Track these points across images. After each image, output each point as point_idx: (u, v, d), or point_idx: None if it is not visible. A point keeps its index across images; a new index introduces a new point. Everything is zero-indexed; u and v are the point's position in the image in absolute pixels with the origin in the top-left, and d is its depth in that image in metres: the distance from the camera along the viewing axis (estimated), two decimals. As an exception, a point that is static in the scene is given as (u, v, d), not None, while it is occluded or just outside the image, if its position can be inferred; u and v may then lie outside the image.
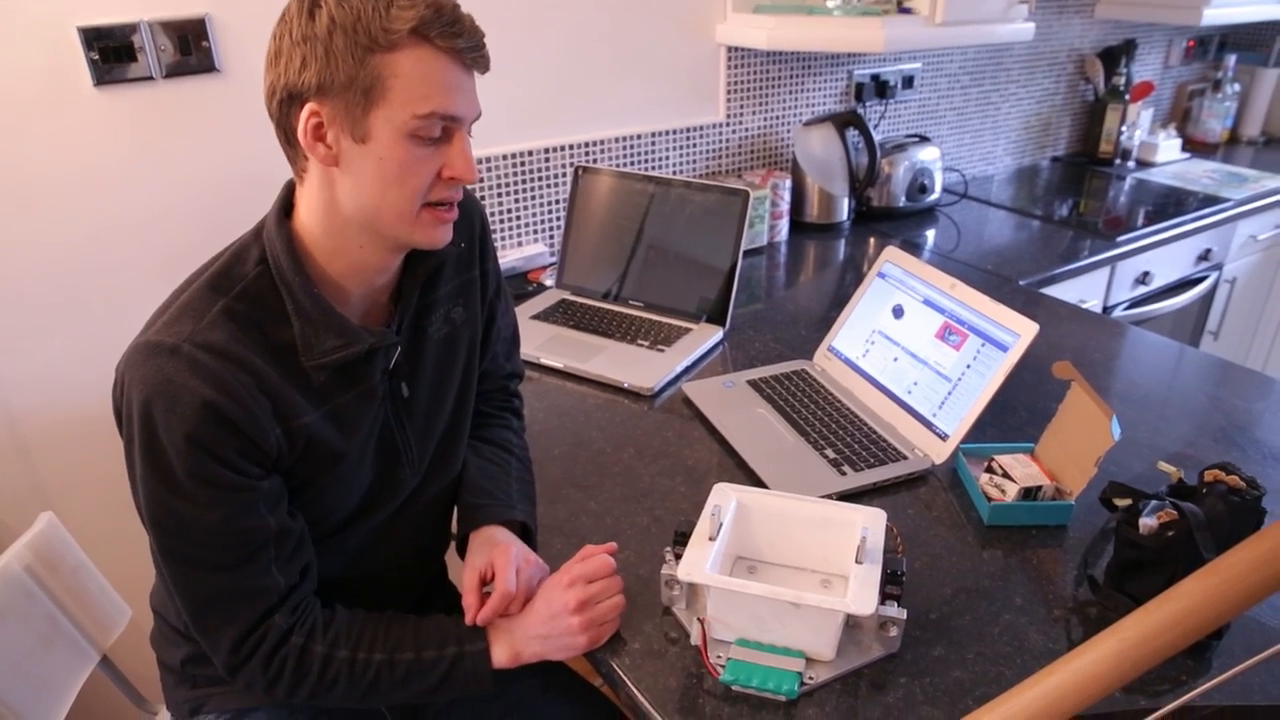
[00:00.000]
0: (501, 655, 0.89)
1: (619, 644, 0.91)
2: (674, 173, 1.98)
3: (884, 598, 0.86)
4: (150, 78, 1.36)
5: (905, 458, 1.16)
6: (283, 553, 0.84)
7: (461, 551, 1.02)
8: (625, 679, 0.87)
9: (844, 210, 2.09)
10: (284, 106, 0.78)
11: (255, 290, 0.82)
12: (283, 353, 0.82)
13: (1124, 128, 2.62)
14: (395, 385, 0.92)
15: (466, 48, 0.77)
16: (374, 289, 0.89)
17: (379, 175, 0.78)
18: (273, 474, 0.83)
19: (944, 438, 1.16)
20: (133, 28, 1.32)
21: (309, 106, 0.76)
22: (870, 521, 0.92)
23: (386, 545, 0.99)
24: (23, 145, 1.30)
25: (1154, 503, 0.92)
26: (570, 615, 0.88)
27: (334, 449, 0.86)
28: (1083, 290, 1.98)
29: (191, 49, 1.38)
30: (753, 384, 1.34)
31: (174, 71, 1.37)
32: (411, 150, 0.78)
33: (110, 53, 1.32)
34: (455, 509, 1.05)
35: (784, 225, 2.00)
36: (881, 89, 2.21)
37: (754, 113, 2.05)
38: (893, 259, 1.34)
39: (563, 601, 0.89)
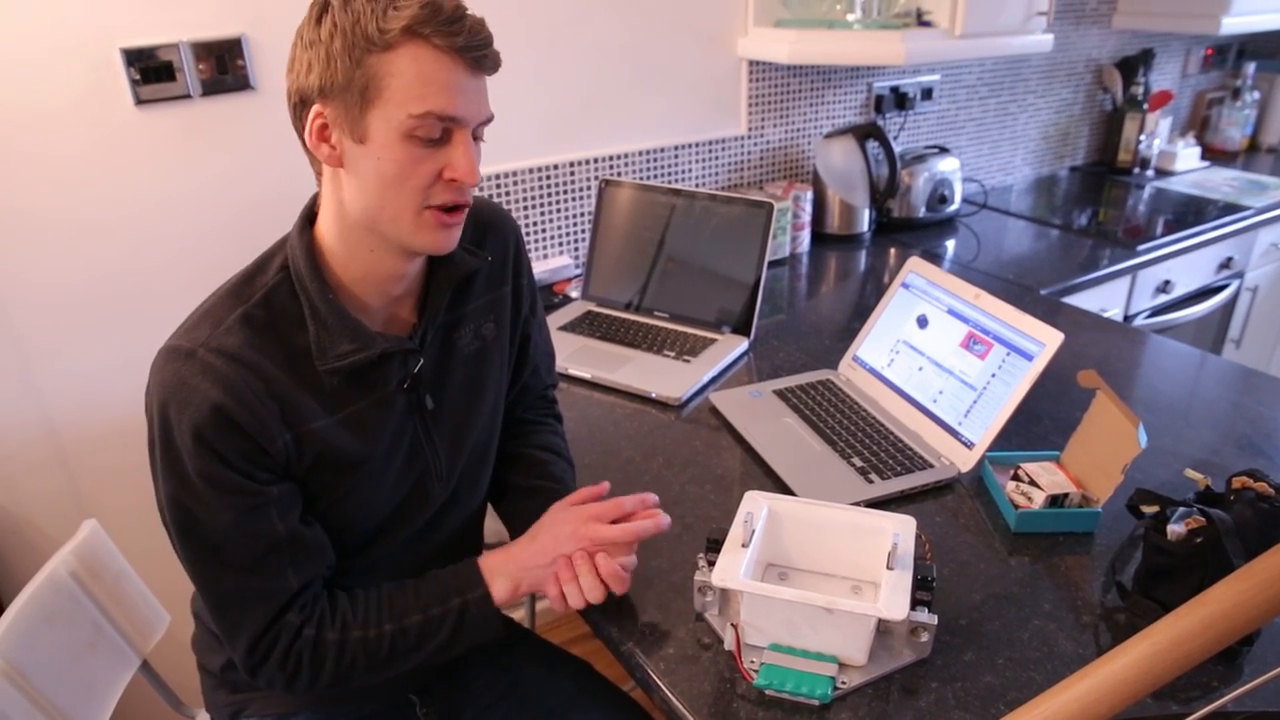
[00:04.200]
0: (502, 591, 0.92)
1: (653, 649, 0.92)
2: (696, 185, 2.01)
3: (915, 603, 0.88)
4: (188, 96, 1.40)
5: (931, 466, 1.18)
6: (298, 558, 0.85)
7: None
8: (659, 684, 0.89)
9: (865, 221, 2.10)
10: (298, 111, 0.80)
11: (274, 296, 0.84)
12: (298, 357, 0.83)
13: (1142, 137, 2.62)
14: (419, 396, 0.93)
15: (466, 46, 0.76)
16: (392, 298, 0.89)
17: (377, 176, 0.79)
18: (283, 481, 0.84)
19: (970, 446, 1.17)
20: (172, 48, 1.36)
21: (315, 108, 0.78)
22: (901, 528, 0.93)
23: (416, 561, 1.00)
24: (65, 162, 1.33)
25: (1182, 509, 0.93)
26: (579, 552, 0.92)
27: (349, 456, 0.87)
28: (1104, 299, 1.99)
29: (228, 68, 1.42)
30: (779, 394, 1.36)
31: (211, 90, 1.41)
32: (409, 150, 0.78)
33: (150, 72, 1.36)
34: (513, 502, 1.07)
35: (805, 236, 2.01)
36: (901, 101, 2.23)
37: (775, 125, 2.07)
38: (916, 269, 1.35)
39: (572, 539, 0.92)
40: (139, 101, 1.36)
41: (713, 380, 1.45)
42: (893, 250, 2.05)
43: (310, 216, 0.87)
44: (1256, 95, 2.88)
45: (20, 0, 1.24)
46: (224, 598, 0.85)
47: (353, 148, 0.79)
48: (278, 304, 0.84)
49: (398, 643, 0.88)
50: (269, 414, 0.80)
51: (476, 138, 0.83)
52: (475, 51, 0.77)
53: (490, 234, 1.00)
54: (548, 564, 0.92)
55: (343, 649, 0.87)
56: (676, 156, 1.95)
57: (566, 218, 1.86)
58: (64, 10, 1.27)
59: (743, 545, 0.91)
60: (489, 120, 0.83)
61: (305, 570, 0.86)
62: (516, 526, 1.05)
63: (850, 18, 1.88)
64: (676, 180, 1.98)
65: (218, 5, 1.38)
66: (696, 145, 1.97)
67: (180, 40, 1.37)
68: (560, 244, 1.87)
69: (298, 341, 0.84)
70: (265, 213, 1.51)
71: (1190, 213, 2.26)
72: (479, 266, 0.96)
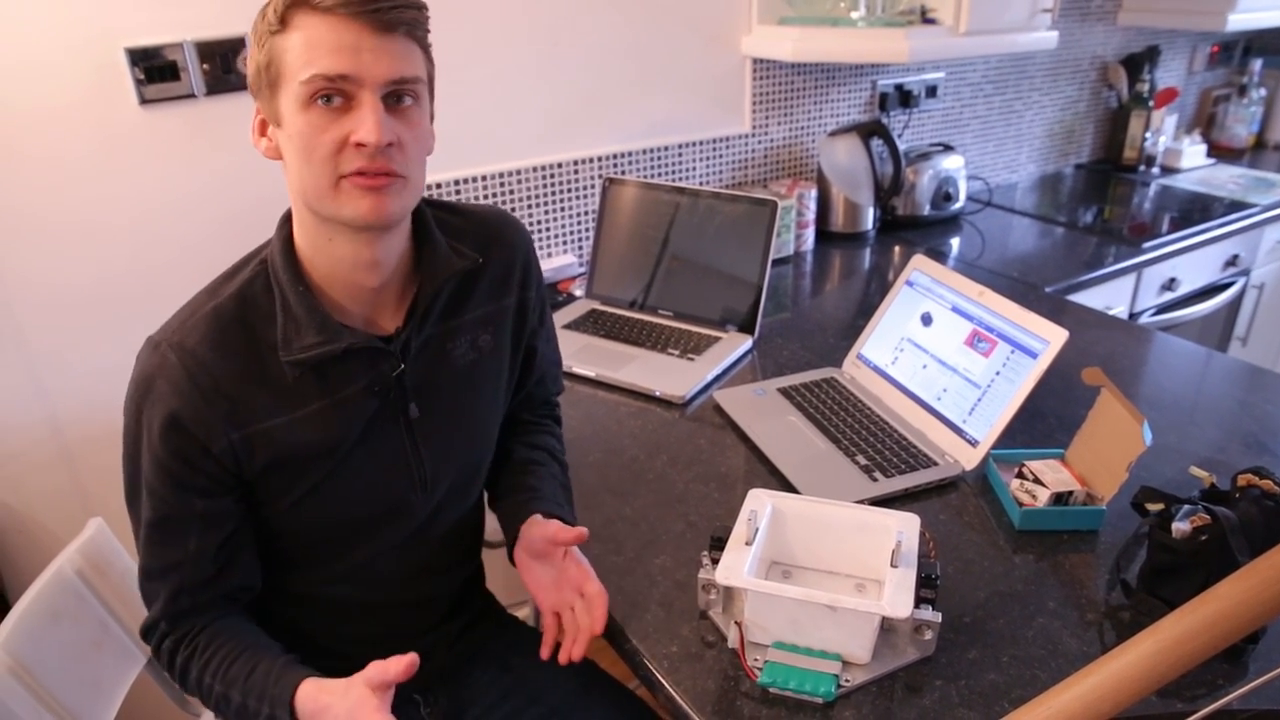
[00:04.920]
0: None
1: (657, 647, 0.92)
2: (700, 183, 2.01)
3: (918, 601, 0.87)
4: (192, 95, 1.40)
5: (936, 464, 1.18)
6: (197, 581, 0.87)
7: (509, 542, 1.02)
8: (663, 682, 0.89)
9: (869, 219, 2.10)
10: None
11: (249, 290, 0.85)
12: (264, 351, 0.84)
13: (1148, 134, 2.62)
14: (403, 404, 0.91)
15: (350, 1, 0.74)
16: (366, 295, 0.87)
17: (294, 153, 0.79)
18: (222, 494, 0.85)
19: (974, 444, 1.17)
20: (176, 47, 1.37)
21: (255, 107, 0.82)
22: (904, 526, 0.93)
23: (416, 563, 1.01)
24: (71, 163, 1.34)
25: (1186, 507, 0.93)
26: None
27: (308, 454, 0.87)
28: (1109, 297, 1.98)
29: (231, 67, 1.42)
30: (783, 392, 1.36)
31: (215, 89, 1.42)
32: (310, 119, 0.77)
33: (155, 72, 1.36)
34: (498, 502, 1.07)
35: (810, 235, 2.01)
36: (905, 98, 2.22)
37: (779, 123, 2.07)
38: (921, 267, 1.35)
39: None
40: (143, 101, 1.36)
41: (717, 378, 1.45)
42: (897, 248, 2.05)
43: (290, 214, 0.88)
44: (1263, 92, 2.87)
45: (26, 1, 1.24)
46: (140, 582, 0.89)
47: (278, 134, 0.81)
48: (250, 297, 0.85)
49: (221, 705, 0.87)
50: (216, 413, 0.81)
51: (401, 98, 0.79)
52: (367, 6, 0.75)
53: (496, 245, 0.98)
54: None
55: (185, 677, 0.89)
56: (680, 154, 1.95)
57: (570, 216, 1.86)
58: (69, 11, 1.27)
59: (747, 543, 0.91)
60: (409, 81, 0.79)
61: (202, 591, 0.88)
62: (503, 526, 1.04)
63: (854, 15, 1.88)
64: (680, 178, 1.98)
65: (221, 5, 1.38)
66: (700, 143, 1.97)
67: (184, 39, 1.37)
68: (564, 242, 1.88)
69: (266, 335, 0.84)
70: (269, 212, 1.49)
71: (1196, 210, 2.26)
72: (467, 268, 0.93)
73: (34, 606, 1.04)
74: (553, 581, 0.97)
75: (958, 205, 2.21)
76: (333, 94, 0.76)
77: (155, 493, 0.84)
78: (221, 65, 1.41)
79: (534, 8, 1.66)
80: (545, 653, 0.96)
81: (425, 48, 0.83)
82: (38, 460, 1.44)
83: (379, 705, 0.79)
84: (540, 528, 0.97)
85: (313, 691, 0.83)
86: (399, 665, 0.79)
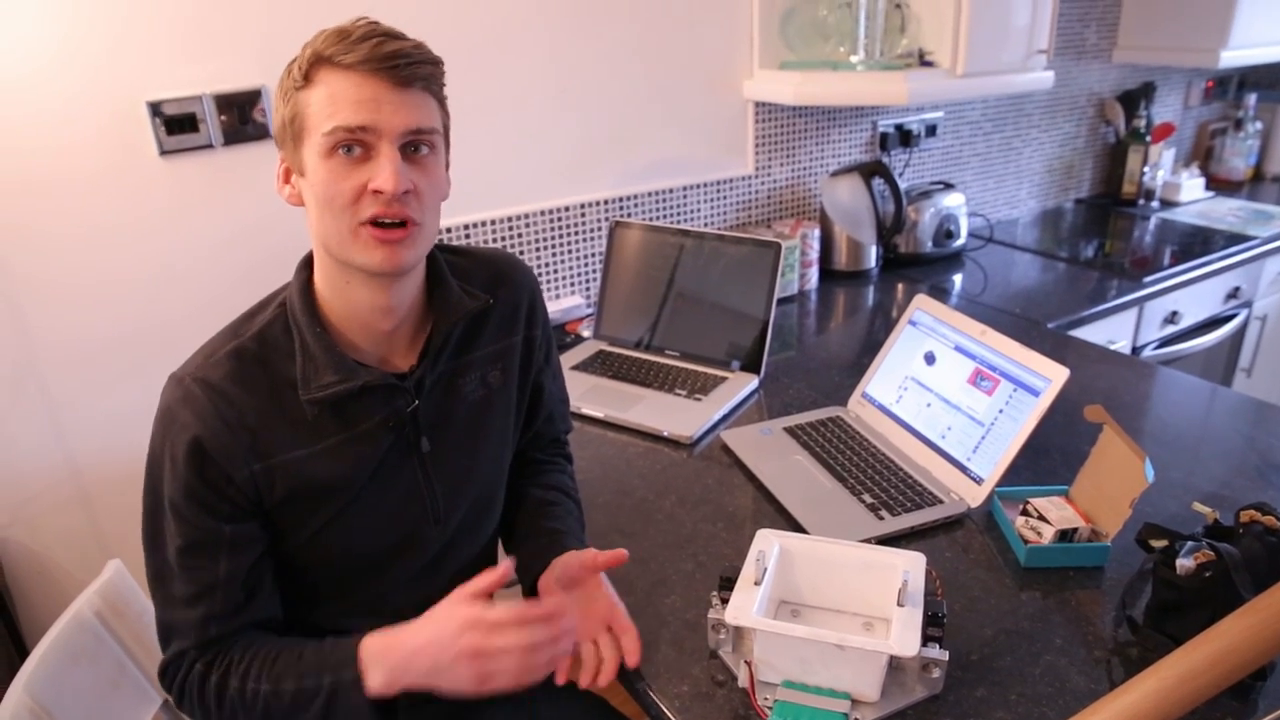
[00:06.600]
0: (377, 683, 0.84)
1: (668, 686, 0.93)
2: (705, 224, 2.04)
3: (926, 639, 0.88)
4: (210, 146, 1.44)
5: (941, 501, 1.19)
6: (229, 605, 0.87)
7: (527, 582, 1.03)
8: (675, 721, 0.90)
9: (872, 258, 2.13)
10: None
11: (269, 331, 0.88)
12: (284, 389, 0.87)
13: (1146, 168, 2.65)
14: (415, 438, 0.94)
15: (371, 58, 0.78)
16: (380, 336, 0.91)
17: (315, 200, 0.83)
18: (246, 519, 0.87)
19: (979, 481, 1.18)
20: (195, 100, 1.41)
21: (279, 156, 0.86)
22: (910, 565, 0.94)
23: (421, 600, 1.00)
24: (93, 210, 1.38)
25: (1190, 544, 0.94)
26: (462, 661, 0.82)
27: (325, 488, 0.89)
28: (1111, 331, 2.00)
29: (248, 118, 1.46)
30: (789, 431, 1.38)
31: (231, 139, 1.46)
32: (331, 168, 0.80)
33: (174, 123, 1.40)
34: (517, 546, 1.08)
35: (814, 273, 2.04)
36: (905, 138, 2.26)
37: (782, 165, 2.11)
38: (923, 307, 1.38)
39: (455, 645, 0.83)
40: (163, 152, 1.40)
41: (724, 418, 1.47)
42: (900, 286, 2.07)
43: (310, 259, 0.92)
44: (1259, 125, 2.91)
45: (56, 59, 1.29)
46: (160, 619, 0.89)
47: (301, 182, 0.85)
48: (271, 338, 0.88)
49: (272, 705, 0.86)
50: (239, 444, 0.84)
51: (417, 148, 0.83)
52: (386, 63, 0.79)
53: (503, 285, 1.02)
54: (428, 668, 0.83)
55: (222, 694, 0.87)
56: (685, 196, 1.98)
57: (578, 258, 1.89)
58: (96, 69, 1.32)
59: (755, 583, 0.93)
60: (425, 131, 0.83)
61: (233, 619, 0.88)
62: (522, 571, 1.05)
63: (854, 59, 1.92)
64: (686, 220, 2.01)
65: (237, 59, 1.43)
66: (705, 185, 2.01)
67: (203, 92, 1.41)
68: (572, 284, 1.91)
69: (286, 373, 0.87)
70: (281, 262, 1.52)
71: (1196, 243, 2.28)
72: (479, 309, 0.96)
73: (54, 648, 1.06)
74: (580, 611, 0.98)
75: (959, 242, 2.24)
76: (353, 144, 0.80)
77: (182, 518, 0.85)
78: (238, 116, 1.45)
79: (541, 57, 1.71)
80: (561, 679, 0.95)
81: (441, 100, 0.87)
82: (56, 502, 1.47)
83: (466, 597, 0.85)
84: (576, 555, 1.00)
85: (378, 636, 0.86)
86: (490, 576, 0.86)
